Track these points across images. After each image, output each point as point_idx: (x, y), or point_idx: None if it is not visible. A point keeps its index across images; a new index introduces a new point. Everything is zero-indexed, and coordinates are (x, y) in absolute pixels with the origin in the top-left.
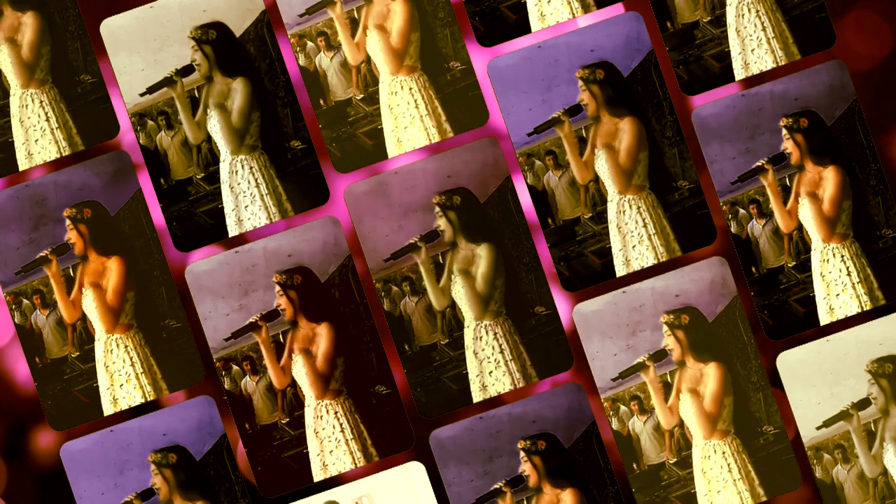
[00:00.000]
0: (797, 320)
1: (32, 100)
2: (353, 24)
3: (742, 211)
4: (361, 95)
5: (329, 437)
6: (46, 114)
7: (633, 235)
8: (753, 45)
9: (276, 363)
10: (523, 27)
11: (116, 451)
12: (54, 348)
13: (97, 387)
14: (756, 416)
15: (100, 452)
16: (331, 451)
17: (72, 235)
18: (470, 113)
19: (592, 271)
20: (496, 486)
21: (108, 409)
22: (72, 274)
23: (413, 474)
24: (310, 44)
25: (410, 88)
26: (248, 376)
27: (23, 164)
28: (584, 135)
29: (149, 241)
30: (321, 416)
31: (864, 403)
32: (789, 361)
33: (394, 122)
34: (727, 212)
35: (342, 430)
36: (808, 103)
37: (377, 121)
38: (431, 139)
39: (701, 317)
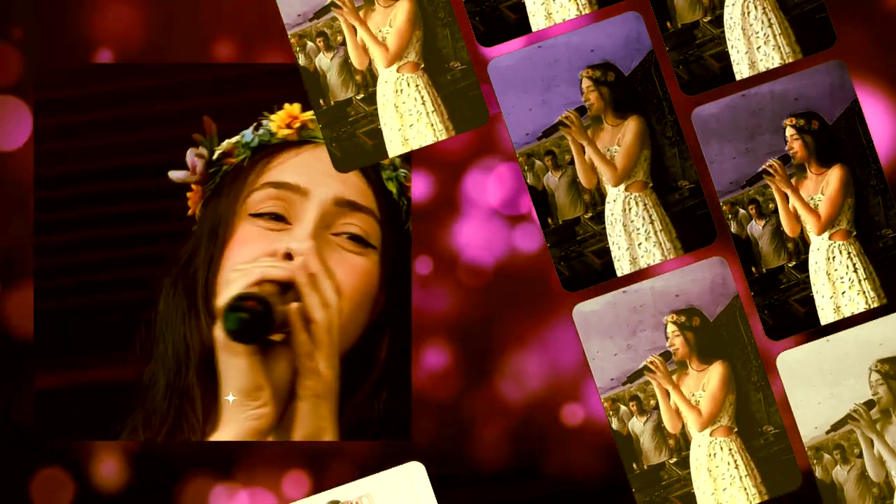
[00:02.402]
0: (797, 320)
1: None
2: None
3: (742, 211)
4: (362, 95)
5: None
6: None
7: (639, 232)
8: (753, 46)
9: None
10: (523, 27)
11: None
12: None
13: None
14: (756, 416)
15: None
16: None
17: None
18: (470, 112)
19: (592, 271)
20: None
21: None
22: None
23: (413, 474)
24: (310, 44)
25: (417, 85)
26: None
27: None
28: (589, 135)
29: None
30: None
31: (870, 404)
32: (789, 361)
33: (400, 121)
34: (727, 212)
35: None
36: (809, 103)
37: (377, 120)
38: (438, 136)
39: (706, 320)
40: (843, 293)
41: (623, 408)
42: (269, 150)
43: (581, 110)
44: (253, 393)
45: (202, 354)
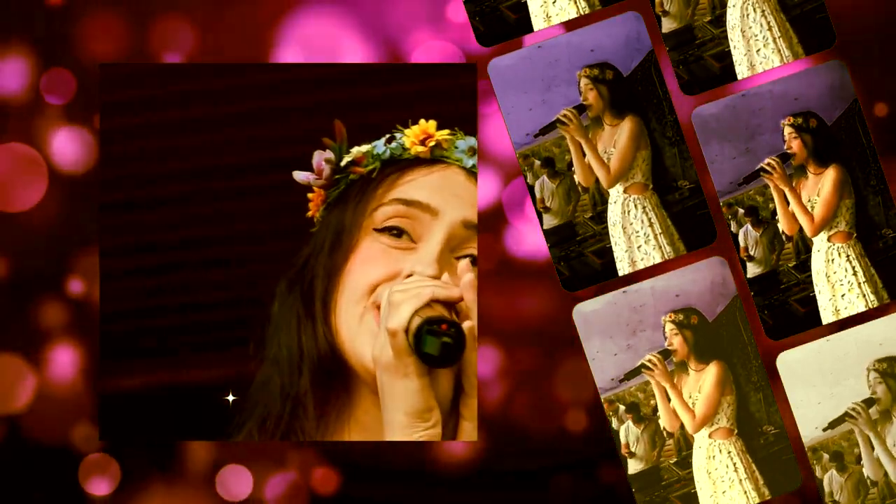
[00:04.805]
0: (797, 320)
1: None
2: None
3: (742, 211)
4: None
5: None
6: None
7: (638, 235)
8: (753, 48)
9: None
10: (523, 27)
11: None
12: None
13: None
14: (756, 416)
15: None
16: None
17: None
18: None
19: (592, 271)
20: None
21: None
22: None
23: None
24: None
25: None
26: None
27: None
28: (589, 136)
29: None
30: None
31: (869, 402)
32: (789, 361)
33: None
34: (727, 212)
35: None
36: (809, 103)
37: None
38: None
39: (704, 319)
40: (843, 296)
41: (623, 408)
42: (400, 165)
43: (580, 108)
44: (424, 415)
45: (317, 361)
